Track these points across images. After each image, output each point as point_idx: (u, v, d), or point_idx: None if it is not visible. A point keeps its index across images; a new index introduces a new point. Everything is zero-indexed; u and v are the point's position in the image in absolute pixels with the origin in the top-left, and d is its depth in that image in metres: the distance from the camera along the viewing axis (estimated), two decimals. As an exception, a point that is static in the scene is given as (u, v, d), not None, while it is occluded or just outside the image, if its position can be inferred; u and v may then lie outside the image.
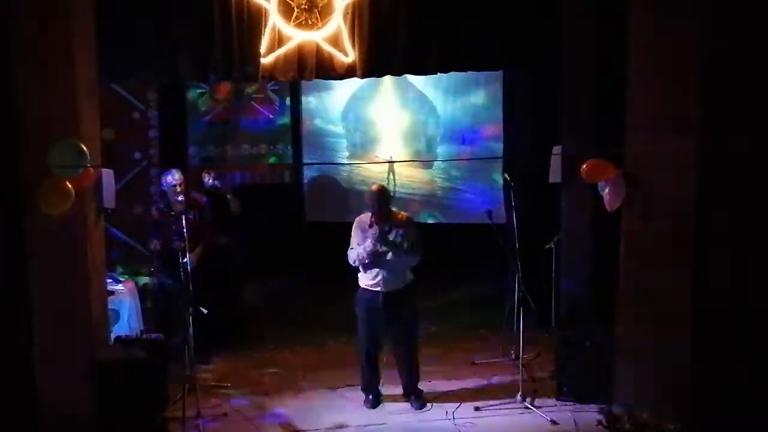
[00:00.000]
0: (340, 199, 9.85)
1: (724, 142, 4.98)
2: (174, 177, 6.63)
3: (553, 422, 5.58)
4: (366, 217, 5.79)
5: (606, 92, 5.93)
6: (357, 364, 6.07)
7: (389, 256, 5.67)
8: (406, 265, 5.78)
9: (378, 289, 5.75)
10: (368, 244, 5.65)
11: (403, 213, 6.00)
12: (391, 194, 5.87)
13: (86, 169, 5.12)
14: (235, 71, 6.18)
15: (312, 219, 10.01)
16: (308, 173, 10.16)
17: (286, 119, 9.91)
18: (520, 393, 5.89)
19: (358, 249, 5.71)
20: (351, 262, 5.79)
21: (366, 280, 5.81)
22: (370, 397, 5.97)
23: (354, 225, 5.84)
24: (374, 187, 5.81)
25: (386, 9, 6.14)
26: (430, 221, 9.71)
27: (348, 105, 9.82)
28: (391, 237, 5.66)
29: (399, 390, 6.05)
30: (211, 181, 7.39)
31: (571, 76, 6.51)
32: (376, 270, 5.72)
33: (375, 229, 5.65)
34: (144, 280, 7.26)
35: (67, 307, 5.23)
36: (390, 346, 5.97)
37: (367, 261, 5.70)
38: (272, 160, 9.91)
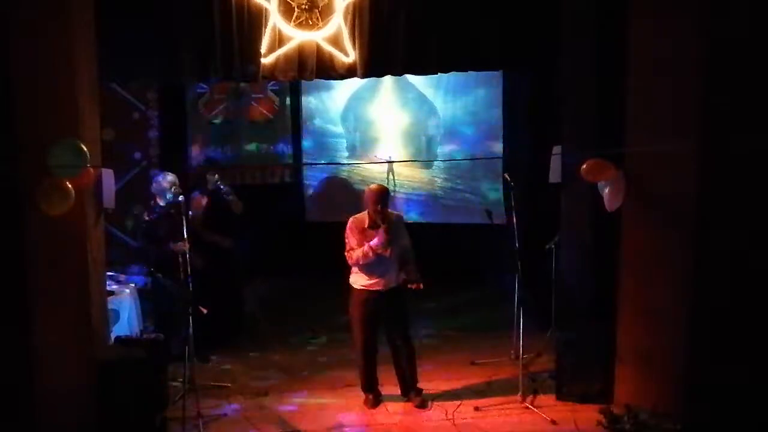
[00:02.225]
0: (340, 199, 9.85)
1: (724, 142, 4.99)
2: (166, 179, 6.62)
3: (553, 422, 5.58)
4: (362, 216, 5.79)
5: (606, 92, 5.93)
6: (356, 365, 6.07)
7: (389, 253, 5.68)
8: (410, 262, 5.82)
9: (378, 288, 5.75)
10: (375, 242, 5.63)
11: (394, 212, 6.00)
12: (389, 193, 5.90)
13: (86, 169, 5.12)
14: (235, 71, 6.18)
15: (312, 219, 10.01)
16: (308, 173, 10.16)
17: (286, 119, 9.91)
18: (520, 393, 5.89)
19: (363, 248, 5.67)
20: (352, 263, 5.77)
21: (364, 280, 5.79)
22: (371, 397, 5.97)
23: (349, 226, 5.79)
24: (375, 186, 5.81)
25: (386, 9, 6.14)
26: (430, 221, 9.71)
27: (348, 105, 9.82)
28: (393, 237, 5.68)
29: (399, 390, 6.05)
30: (215, 182, 7.41)
31: (571, 76, 6.50)
32: (378, 269, 5.73)
33: (384, 228, 5.63)
34: (144, 280, 7.27)
35: (67, 307, 5.23)
36: (389, 346, 5.96)
37: (373, 259, 5.69)
38: (272, 160, 9.91)
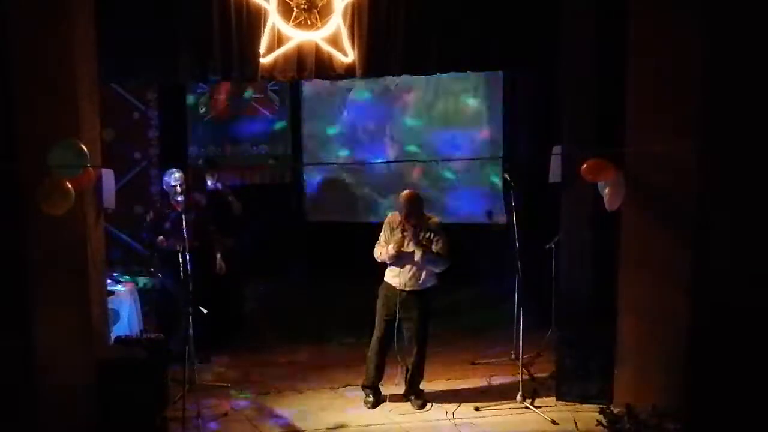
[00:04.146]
0: (340, 199, 9.84)
1: (723, 142, 4.99)
2: (174, 177, 6.63)
3: (553, 422, 5.58)
4: (396, 216, 5.85)
5: (606, 92, 5.93)
6: (366, 358, 6.05)
7: (417, 257, 5.72)
8: (432, 269, 5.80)
9: (399, 286, 5.81)
10: (391, 248, 5.74)
11: (434, 218, 5.96)
12: (422, 199, 5.91)
13: (86, 169, 5.12)
14: (234, 71, 6.17)
15: (312, 219, 10.00)
16: (308, 173, 10.16)
17: (285, 119, 9.91)
18: (520, 393, 5.90)
19: (383, 249, 5.81)
20: (375, 257, 5.88)
21: (389, 275, 5.90)
22: (370, 396, 5.97)
23: (385, 222, 5.93)
24: (405, 192, 5.87)
25: (385, 9, 6.14)
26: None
27: (348, 105, 9.82)
28: (414, 242, 5.70)
29: (399, 390, 6.05)
30: (214, 182, 7.42)
31: (571, 76, 6.51)
32: (398, 269, 5.80)
33: (399, 233, 5.71)
34: (144, 280, 7.26)
35: (67, 307, 5.23)
36: (403, 345, 5.96)
37: (388, 262, 5.81)
38: (272, 160, 9.91)
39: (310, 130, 9.94)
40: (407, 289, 5.80)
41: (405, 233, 5.74)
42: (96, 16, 5.53)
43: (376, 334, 5.95)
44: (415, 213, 5.74)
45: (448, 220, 9.40)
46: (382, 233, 5.90)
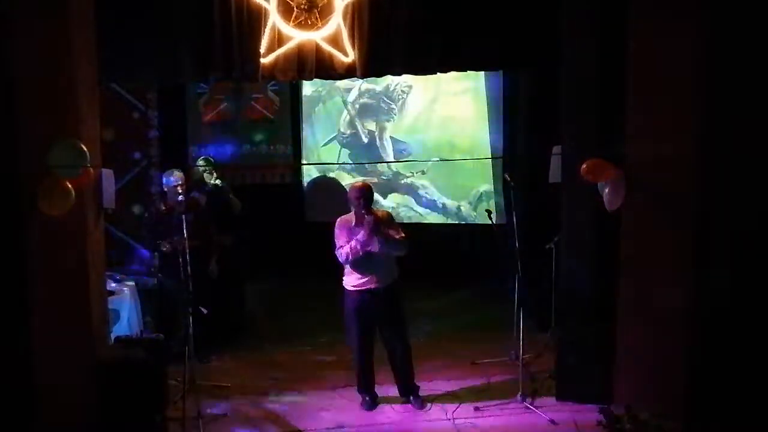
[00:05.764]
0: (340, 199, 9.83)
1: (724, 143, 4.98)
2: (174, 177, 6.62)
3: (553, 422, 5.58)
4: (349, 216, 5.80)
5: (606, 92, 5.93)
6: (352, 366, 6.06)
7: (380, 245, 5.65)
8: (396, 253, 5.79)
9: (370, 287, 5.74)
10: (361, 235, 5.63)
11: (383, 210, 6.02)
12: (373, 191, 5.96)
13: (86, 169, 5.12)
14: (235, 71, 6.18)
15: (312, 219, 10.01)
16: (307, 173, 10.16)
17: (286, 119, 9.91)
18: (520, 393, 5.90)
19: (350, 243, 5.67)
20: (342, 260, 5.77)
21: (355, 280, 5.80)
22: (367, 398, 5.96)
23: (337, 225, 5.82)
24: (359, 184, 5.85)
25: (386, 9, 6.14)
26: (430, 221, 9.71)
27: (348, 105, 9.82)
28: (375, 231, 5.66)
29: (397, 390, 6.05)
30: (213, 181, 7.42)
31: (572, 76, 6.49)
32: (368, 267, 5.73)
33: (369, 219, 5.63)
34: (144, 280, 7.26)
35: (67, 307, 5.22)
36: (385, 347, 5.96)
37: (361, 254, 5.67)
38: (272, 160, 9.91)
39: (310, 130, 9.96)
40: (382, 285, 5.74)
41: (364, 223, 5.61)
42: (96, 16, 5.53)
43: (356, 342, 5.88)
44: (370, 203, 5.73)
45: (447, 219, 9.65)
46: (340, 237, 5.76)
